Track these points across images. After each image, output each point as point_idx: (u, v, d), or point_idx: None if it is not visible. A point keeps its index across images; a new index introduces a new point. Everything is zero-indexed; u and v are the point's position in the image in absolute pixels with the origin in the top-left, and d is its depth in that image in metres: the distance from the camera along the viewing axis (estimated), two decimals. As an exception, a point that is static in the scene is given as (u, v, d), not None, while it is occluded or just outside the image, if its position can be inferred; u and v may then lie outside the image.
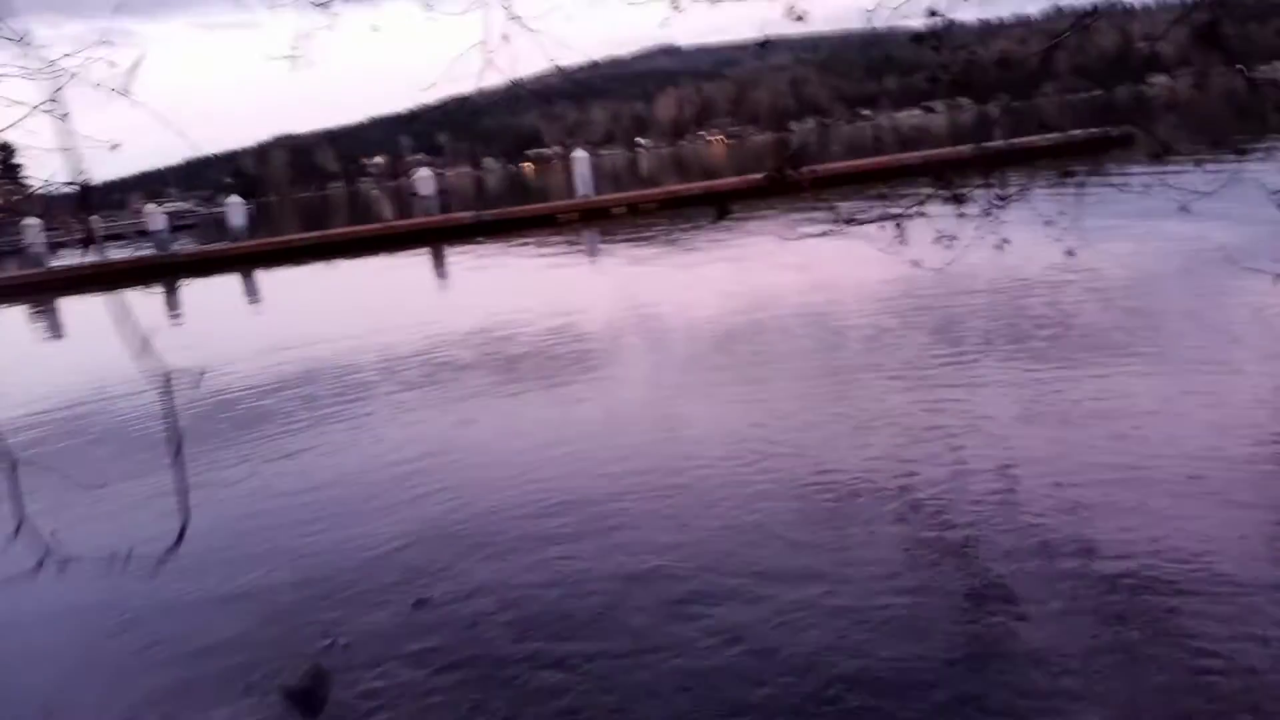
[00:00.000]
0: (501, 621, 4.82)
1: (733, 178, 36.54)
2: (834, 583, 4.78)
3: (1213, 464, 5.63)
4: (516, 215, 32.61)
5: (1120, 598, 4.37)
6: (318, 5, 4.89)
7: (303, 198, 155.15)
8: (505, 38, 4.72)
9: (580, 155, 32.28)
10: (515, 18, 4.68)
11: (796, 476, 6.30)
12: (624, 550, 5.48)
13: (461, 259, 25.43)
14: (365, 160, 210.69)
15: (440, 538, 5.99)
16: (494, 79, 4.99)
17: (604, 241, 24.90)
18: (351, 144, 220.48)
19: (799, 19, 4.72)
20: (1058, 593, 4.47)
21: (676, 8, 4.70)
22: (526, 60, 4.94)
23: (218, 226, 46.29)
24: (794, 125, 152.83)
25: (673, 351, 10.96)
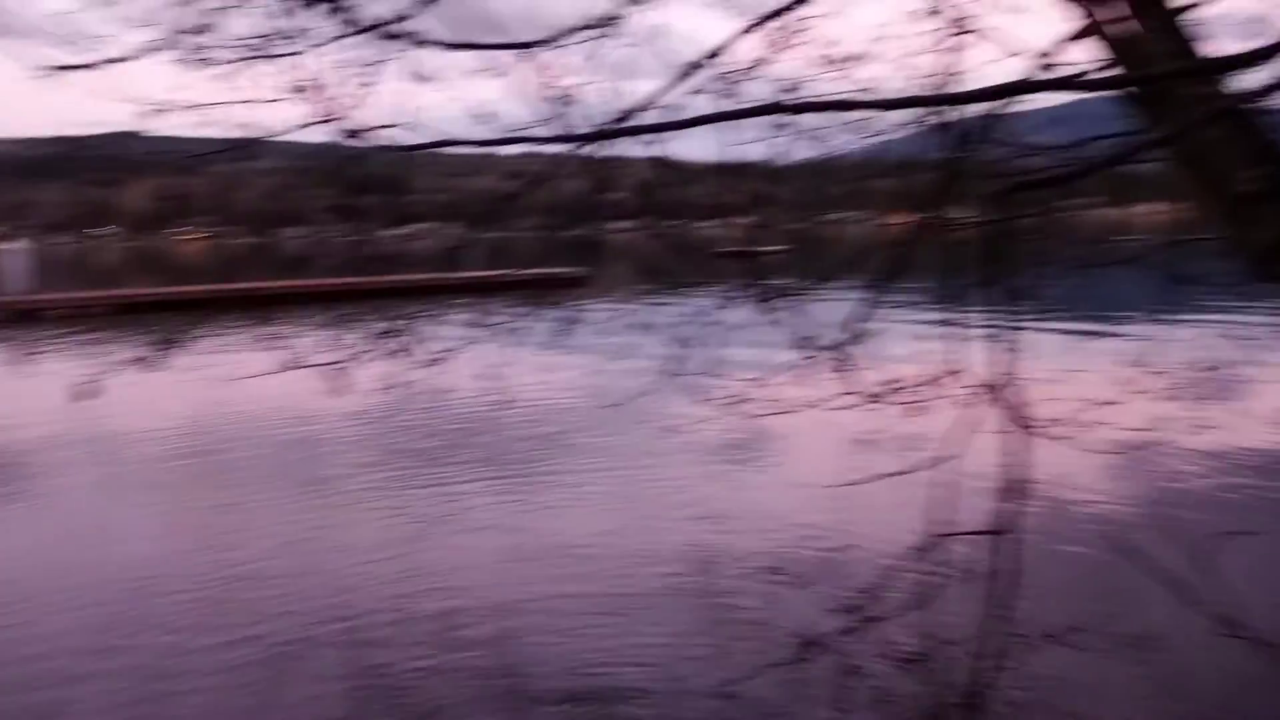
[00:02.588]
0: None
1: (182, 286, 34.06)
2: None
3: (642, 588, 6.03)
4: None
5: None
6: None
7: None
8: None
9: (9, 247, 27.96)
10: None
11: (239, 620, 5.87)
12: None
13: None
14: None
15: None
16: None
17: (35, 343, 21.67)
18: None
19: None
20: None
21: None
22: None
23: None
24: (289, 232, 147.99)
25: (109, 472, 9.83)
